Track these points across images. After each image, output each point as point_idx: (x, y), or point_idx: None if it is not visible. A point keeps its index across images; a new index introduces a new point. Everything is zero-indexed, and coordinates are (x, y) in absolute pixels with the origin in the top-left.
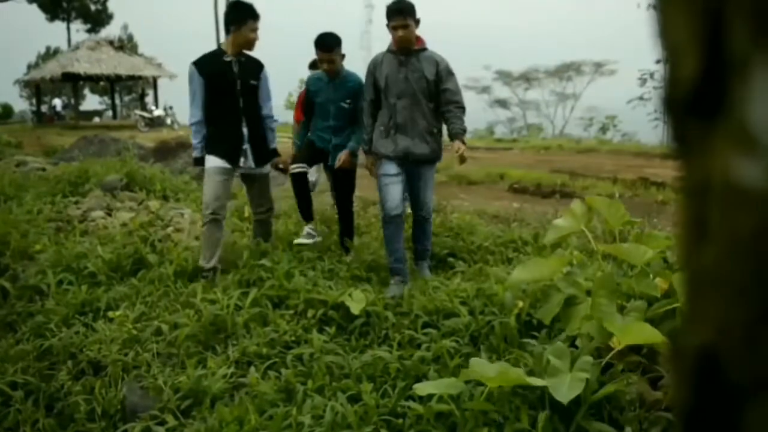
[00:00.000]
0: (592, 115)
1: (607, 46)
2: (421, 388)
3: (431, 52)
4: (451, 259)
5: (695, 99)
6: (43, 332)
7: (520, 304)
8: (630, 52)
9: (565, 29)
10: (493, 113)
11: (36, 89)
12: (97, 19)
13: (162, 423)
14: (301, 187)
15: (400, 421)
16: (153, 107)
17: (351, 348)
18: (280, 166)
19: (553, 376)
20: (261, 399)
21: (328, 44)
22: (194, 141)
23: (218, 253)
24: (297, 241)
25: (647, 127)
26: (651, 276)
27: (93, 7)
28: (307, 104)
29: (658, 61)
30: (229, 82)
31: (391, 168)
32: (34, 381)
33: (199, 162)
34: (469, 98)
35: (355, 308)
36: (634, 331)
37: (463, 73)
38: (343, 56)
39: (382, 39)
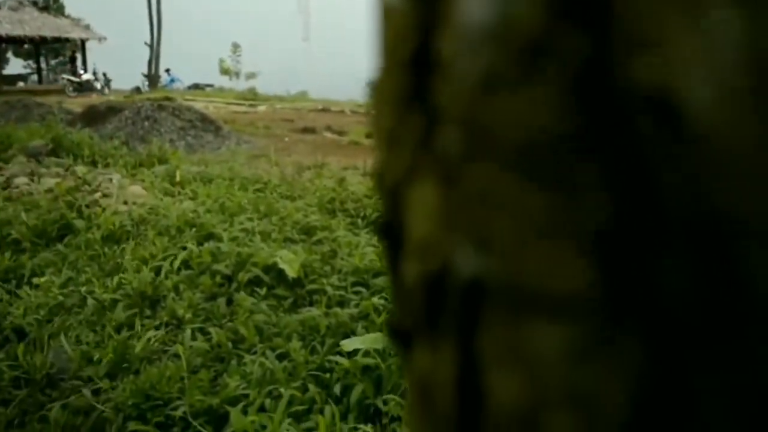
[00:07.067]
0: None
1: None
2: (348, 344)
3: None
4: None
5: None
6: None
7: None
8: None
9: None
10: None
11: None
12: None
13: (92, 385)
14: None
15: (328, 375)
16: (82, 71)
17: (282, 308)
18: None
19: None
20: (190, 361)
21: None
22: None
23: None
24: None
25: None
26: None
27: None
28: None
29: None
30: None
31: None
32: None
33: None
34: None
35: (291, 270)
36: None
37: None
38: None
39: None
